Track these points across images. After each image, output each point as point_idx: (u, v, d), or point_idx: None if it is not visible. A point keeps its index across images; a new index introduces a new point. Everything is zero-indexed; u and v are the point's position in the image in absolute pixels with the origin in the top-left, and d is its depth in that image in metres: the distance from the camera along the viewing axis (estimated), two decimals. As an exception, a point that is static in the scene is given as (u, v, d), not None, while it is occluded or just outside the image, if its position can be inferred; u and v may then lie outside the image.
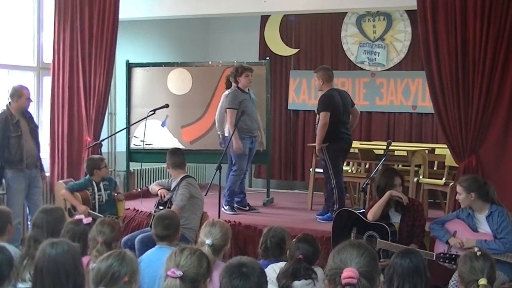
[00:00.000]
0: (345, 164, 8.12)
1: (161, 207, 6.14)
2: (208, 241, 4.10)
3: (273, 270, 4.21)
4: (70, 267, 3.17)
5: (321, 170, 8.49)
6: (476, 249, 3.70)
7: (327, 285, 2.65)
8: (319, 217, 7.41)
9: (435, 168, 8.48)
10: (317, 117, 7.33)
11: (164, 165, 6.82)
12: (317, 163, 8.41)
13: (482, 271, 3.43)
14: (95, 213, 6.49)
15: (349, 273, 2.53)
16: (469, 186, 5.31)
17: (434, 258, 5.22)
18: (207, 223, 4.32)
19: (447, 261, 5.17)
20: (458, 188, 5.38)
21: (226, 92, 7.84)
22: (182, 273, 2.91)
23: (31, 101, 7.24)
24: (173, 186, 6.39)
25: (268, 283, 3.67)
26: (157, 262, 3.89)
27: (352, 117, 7.47)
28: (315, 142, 7.32)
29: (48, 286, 3.12)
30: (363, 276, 2.55)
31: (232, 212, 7.64)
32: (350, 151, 7.57)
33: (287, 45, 10.74)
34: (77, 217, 4.67)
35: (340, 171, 7.23)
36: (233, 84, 7.73)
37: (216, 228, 4.19)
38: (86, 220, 4.49)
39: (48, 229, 4.35)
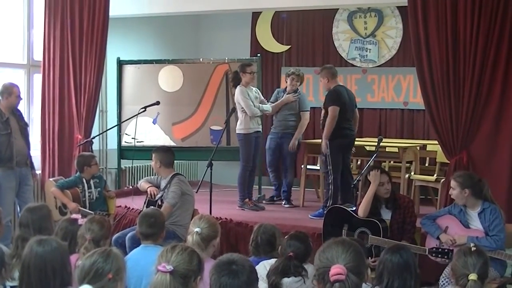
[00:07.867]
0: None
1: (152, 206, 6.09)
2: (196, 229, 4.13)
3: (264, 267, 4.21)
4: (57, 265, 3.17)
5: (313, 167, 8.56)
6: (472, 244, 3.70)
7: (315, 285, 2.64)
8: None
9: (426, 164, 8.50)
10: (322, 112, 7.32)
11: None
12: (308, 160, 8.43)
13: (474, 266, 3.43)
14: (86, 210, 6.48)
15: (337, 269, 2.52)
16: (464, 182, 5.30)
17: (427, 253, 5.22)
18: (195, 217, 4.39)
19: (439, 255, 5.15)
20: (453, 183, 5.38)
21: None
22: (172, 268, 2.90)
23: (21, 99, 7.18)
24: (163, 184, 6.35)
25: (259, 280, 3.68)
26: (143, 261, 3.89)
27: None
28: (311, 139, 7.30)
29: (35, 282, 3.12)
30: (351, 271, 2.54)
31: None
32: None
33: (278, 41, 10.71)
34: (73, 216, 4.67)
35: (338, 168, 7.18)
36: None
37: (204, 219, 4.26)
38: (81, 220, 4.47)
39: (34, 227, 4.36)
